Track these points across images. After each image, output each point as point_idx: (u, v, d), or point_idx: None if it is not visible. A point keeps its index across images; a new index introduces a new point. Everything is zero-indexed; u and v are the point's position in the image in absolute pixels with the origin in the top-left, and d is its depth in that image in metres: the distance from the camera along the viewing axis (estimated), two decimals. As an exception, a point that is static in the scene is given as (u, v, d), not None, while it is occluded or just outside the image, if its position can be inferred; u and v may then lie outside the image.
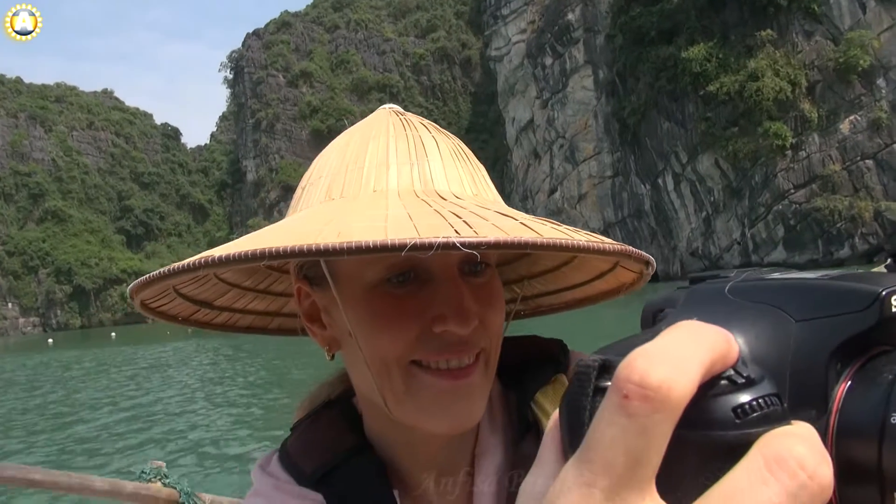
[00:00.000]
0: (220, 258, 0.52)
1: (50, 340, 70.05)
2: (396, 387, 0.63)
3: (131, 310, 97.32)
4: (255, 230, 0.65)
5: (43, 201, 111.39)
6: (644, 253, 0.61)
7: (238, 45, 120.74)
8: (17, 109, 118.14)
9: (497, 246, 0.49)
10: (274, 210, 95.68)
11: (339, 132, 0.77)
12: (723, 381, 0.24)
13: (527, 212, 0.61)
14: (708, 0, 53.51)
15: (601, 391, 0.25)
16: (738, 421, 0.24)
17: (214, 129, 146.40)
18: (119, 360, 30.65)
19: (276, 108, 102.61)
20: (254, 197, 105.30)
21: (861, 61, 47.04)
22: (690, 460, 0.24)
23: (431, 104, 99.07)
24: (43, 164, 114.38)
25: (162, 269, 0.57)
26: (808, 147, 49.26)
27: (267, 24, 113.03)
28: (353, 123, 0.76)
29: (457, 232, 0.50)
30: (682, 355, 0.23)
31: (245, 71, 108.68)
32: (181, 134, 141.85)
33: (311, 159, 0.74)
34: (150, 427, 12.53)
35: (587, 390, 0.25)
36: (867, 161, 47.88)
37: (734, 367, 0.25)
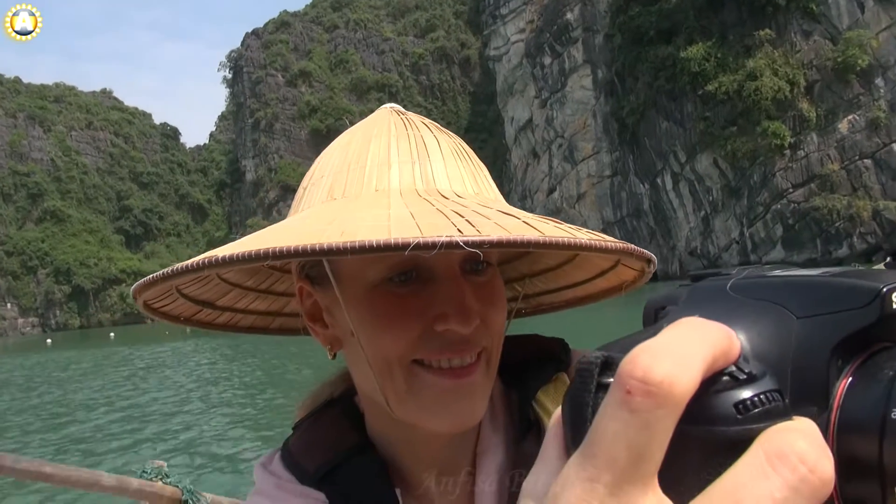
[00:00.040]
0: (224, 258, 0.52)
1: (49, 341, 70.03)
2: (398, 386, 0.64)
3: (130, 310, 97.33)
4: (255, 230, 0.65)
5: (42, 201, 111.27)
6: (646, 251, 0.61)
7: (237, 44, 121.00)
8: (16, 109, 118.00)
9: (500, 245, 0.49)
10: (273, 210, 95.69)
11: (338, 132, 0.77)
12: (725, 378, 0.25)
13: (526, 211, 0.62)
14: (706, 0, 53.54)
15: (604, 387, 0.25)
16: (739, 416, 0.24)
17: (213, 128, 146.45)
18: (117, 361, 30.65)
19: (275, 108, 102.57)
20: (253, 197, 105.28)
21: (859, 61, 47.08)
22: (693, 455, 0.24)
23: (430, 104, 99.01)
24: (42, 163, 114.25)
25: (166, 270, 0.57)
26: (807, 146, 49.29)
27: (266, 24, 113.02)
28: (352, 123, 0.76)
29: (460, 231, 0.50)
30: (685, 352, 0.23)
31: (244, 70, 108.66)
32: (180, 133, 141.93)
33: (310, 159, 0.71)
34: (146, 427, 12.53)
35: (590, 386, 0.25)
36: (865, 160, 47.91)
37: (736, 364, 0.25)
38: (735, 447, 0.24)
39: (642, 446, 0.22)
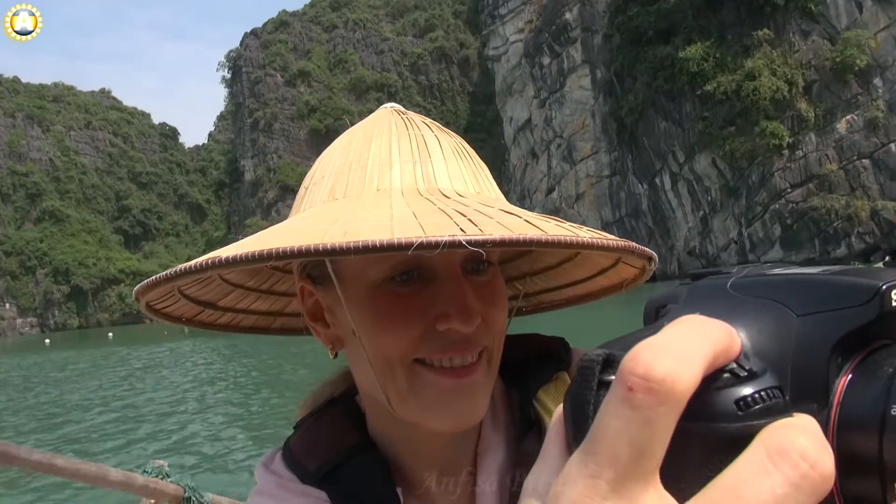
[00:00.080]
0: (228, 259, 0.52)
1: (47, 341, 69.99)
2: (400, 385, 0.64)
3: (129, 310, 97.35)
4: (254, 230, 0.64)
5: (40, 201, 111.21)
6: (646, 248, 0.61)
7: (236, 44, 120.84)
8: (15, 109, 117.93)
9: (503, 244, 0.49)
10: (272, 210, 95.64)
11: (337, 132, 0.77)
12: (725, 375, 0.25)
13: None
14: (705, 0, 53.57)
15: (605, 385, 0.25)
16: (740, 413, 0.24)
17: (212, 128, 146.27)
18: (114, 361, 30.63)
19: (273, 108, 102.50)
20: (252, 196, 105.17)
21: (858, 61, 47.10)
22: (694, 452, 0.24)
23: (429, 104, 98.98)
24: (40, 163, 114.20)
25: (169, 271, 0.57)
26: (805, 146, 49.32)
27: (265, 24, 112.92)
28: (351, 123, 0.76)
29: (462, 230, 0.50)
30: (686, 349, 0.24)
31: (243, 70, 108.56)
32: (179, 133, 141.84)
33: (309, 159, 0.74)
34: (140, 427, 12.53)
35: (591, 384, 0.25)
36: (864, 160, 47.94)
37: (737, 361, 0.25)
38: (736, 444, 0.24)
39: (644, 443, 0.22)
